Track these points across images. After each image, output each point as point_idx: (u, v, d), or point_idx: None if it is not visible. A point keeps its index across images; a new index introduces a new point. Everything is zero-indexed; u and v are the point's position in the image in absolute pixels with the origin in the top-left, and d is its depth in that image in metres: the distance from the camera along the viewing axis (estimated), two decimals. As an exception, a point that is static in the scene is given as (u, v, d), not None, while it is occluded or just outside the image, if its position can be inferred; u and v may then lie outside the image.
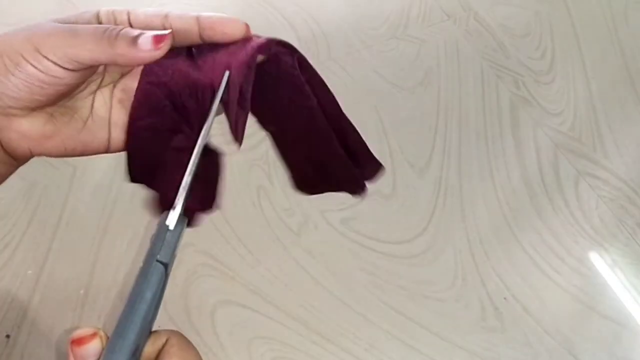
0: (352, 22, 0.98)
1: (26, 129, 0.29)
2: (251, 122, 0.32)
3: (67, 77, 0.28)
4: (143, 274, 0.26)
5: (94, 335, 0.24)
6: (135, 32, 0.28)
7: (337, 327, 0.68)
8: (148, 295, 0.26)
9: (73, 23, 0.29)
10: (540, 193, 0.81)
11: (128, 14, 0.29)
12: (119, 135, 0.32)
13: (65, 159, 0.32)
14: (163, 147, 0.31)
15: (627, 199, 0.81)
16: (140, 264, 0.27)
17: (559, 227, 0.78)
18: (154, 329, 0.28)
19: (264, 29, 0.97)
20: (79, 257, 0.70)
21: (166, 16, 0.29)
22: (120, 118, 0.32)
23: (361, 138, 0.34)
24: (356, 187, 0.36)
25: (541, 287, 0.73)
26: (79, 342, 0.24)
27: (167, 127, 0.31)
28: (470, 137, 0.86)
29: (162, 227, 0.27)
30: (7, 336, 0.64)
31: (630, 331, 0.71)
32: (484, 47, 0.97)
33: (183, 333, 0.29)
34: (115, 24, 0.29)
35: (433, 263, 0.74)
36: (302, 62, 0.31)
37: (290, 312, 0.69)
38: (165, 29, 0.29)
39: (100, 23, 0.29)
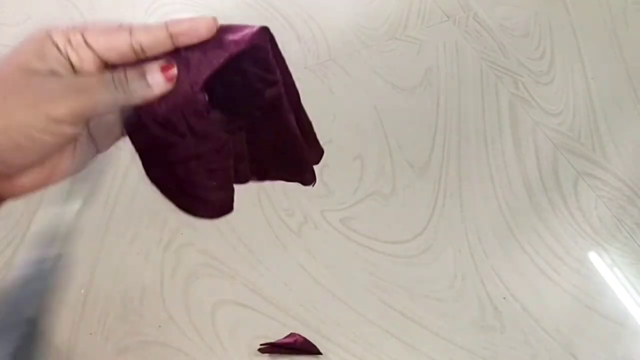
0: (352, 23, 0.98)
1: (25, 183, 0.29)
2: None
3: (78, 131, 0.28)
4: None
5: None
6: (142, 70, 0.27)
7: (337, 327, 0.69)
8: None
9: (20, 52, 0.26)
10: (539, 193, 0.81)
11: (82, 34, 0.27)
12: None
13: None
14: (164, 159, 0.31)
15: (626, 199, 0.81)
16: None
17: (558, 227, 0.78)
18: None
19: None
20: (80, 257, 0.71)
21: (130, 33, 0.28)
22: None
23: (310, 121, 0.34)
24: (308, 175, 0.36)
25: (540, 287, 0.73)
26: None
27: (161, 143, 0.30)
28: (470, 137, 0.86)
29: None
30: (8, 335, 0.64)
31: (629, 330, 0.71)
32: (483, 47, 0.97)
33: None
34: (71, 46, 0.27)
35: (433, 263, 0.74)
36: (272, 40, 0.30)
37: (290, 312, 0.69)
38: (133, 48, 0.28)
39: (57, 47, 0.27)
